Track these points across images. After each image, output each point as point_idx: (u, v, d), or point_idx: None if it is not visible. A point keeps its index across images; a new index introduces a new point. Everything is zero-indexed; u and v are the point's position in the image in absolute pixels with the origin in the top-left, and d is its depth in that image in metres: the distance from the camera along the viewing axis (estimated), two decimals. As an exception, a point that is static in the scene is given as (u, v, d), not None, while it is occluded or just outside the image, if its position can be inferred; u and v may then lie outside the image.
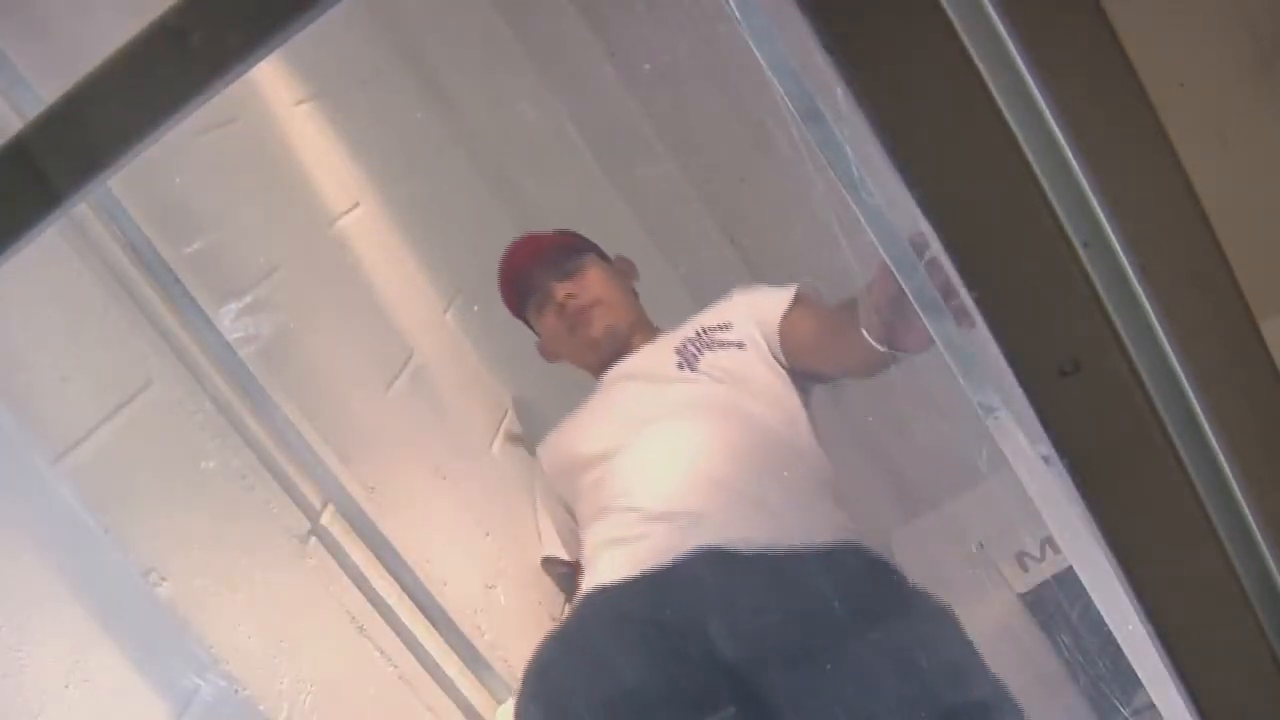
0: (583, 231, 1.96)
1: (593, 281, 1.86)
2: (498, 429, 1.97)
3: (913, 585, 1.52)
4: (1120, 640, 0.72)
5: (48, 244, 1.20)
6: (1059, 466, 0.60)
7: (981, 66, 0.55)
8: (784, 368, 1.69)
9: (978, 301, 0.58)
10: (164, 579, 1.17)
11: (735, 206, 2.34)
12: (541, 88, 2.35)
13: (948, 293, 0.67)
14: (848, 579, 1.46)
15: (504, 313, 1.99)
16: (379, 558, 1.52)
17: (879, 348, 1.33)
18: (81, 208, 1.29)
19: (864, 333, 1.34)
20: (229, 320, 1.44)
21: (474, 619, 1.62)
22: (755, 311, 1.73)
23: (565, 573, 1.77)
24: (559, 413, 1.90)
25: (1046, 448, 0.60)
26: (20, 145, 0.61)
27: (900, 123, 0.56)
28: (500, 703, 1.60)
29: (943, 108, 0.56)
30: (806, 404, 1.69)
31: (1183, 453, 0.59)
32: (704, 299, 1.86)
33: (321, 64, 1.94)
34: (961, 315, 0.65)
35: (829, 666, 1.36)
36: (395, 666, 1.46)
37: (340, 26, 1.93)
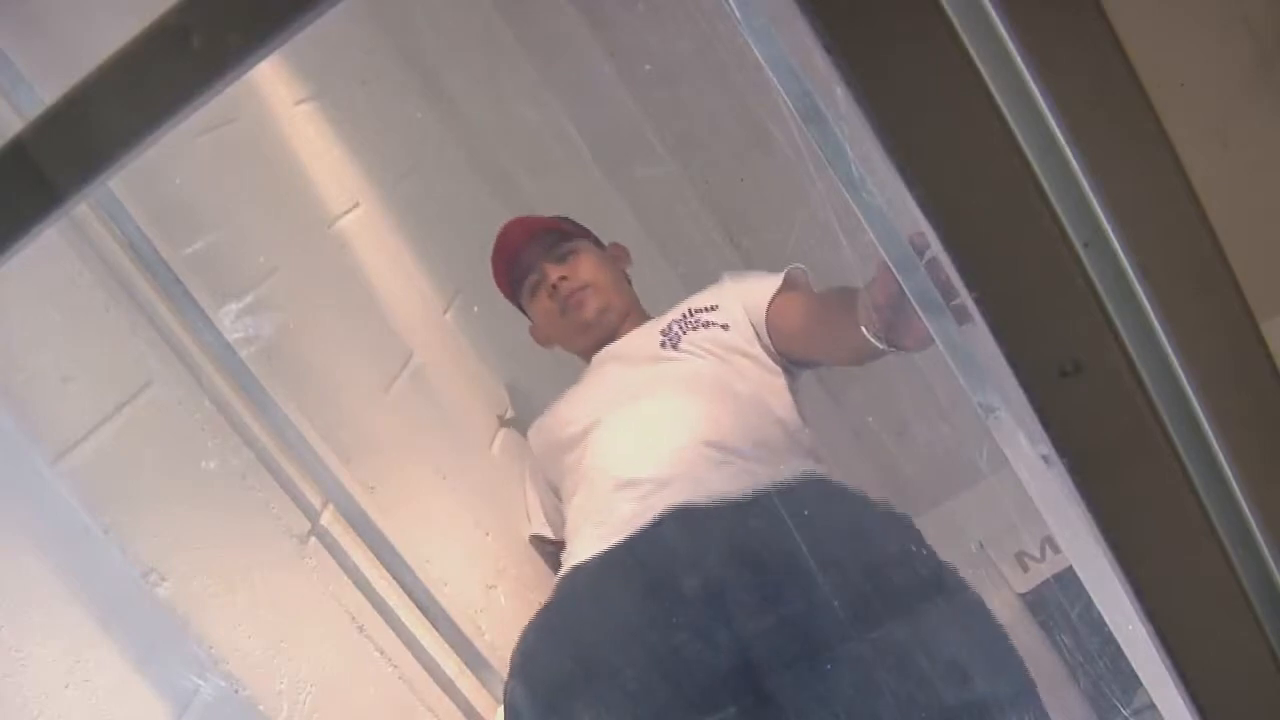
0: (582, 230, 1.97)
1: (586, 265, 1.88)
2: (497, 429, 1.97)
3: (876, 502, 1.54)
4: (1120, 640, 0.72)
5: (48, 244, 1.20)
6: (1059, 466, 0.60)
7: (981, 66, 0.55)
8: (770, 351, 1.70)
9: (978, 301, 0.58)
10: (164, 579, 1.17)
11: (735, 206, 2.34)
12: (541, 88, 2.35)
13: (948, 292, 0.67)
14: (810, 508, 1.47)
15: (504, 313, 1.99)
16: (379, 558, 1.52)
17: (879, 346, 1.33)
18: (81, 208, 1.29)
19: (864, 331, 1.34)
20: (229, 320, 1.44)
21: (474, 619, 1.62)
22: (744, 296, 1.74)
23: (553, 551, 1.78)
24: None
25: (1046, 448, 0.60)
26: (20, 145, 0.61)
27: (900, 123, 0.56)
28: (501, 703, 1.60)
29: (943, 108, 0.56)
30: (793, 388, 1.69)
31: (1183, 453, 0.59)
32: (703, 299, 1.86)
33: (321, 64, 1.94)
34: (961, 314, 0.65)
35: (803, 597, 1.38)
36: (395, 666, 1.46)
37: (340, 26, 1.93)
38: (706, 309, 1.76)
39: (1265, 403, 0.59)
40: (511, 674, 1.51)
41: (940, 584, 1.43)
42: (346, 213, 1.88)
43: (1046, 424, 0.59)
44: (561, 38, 2.34)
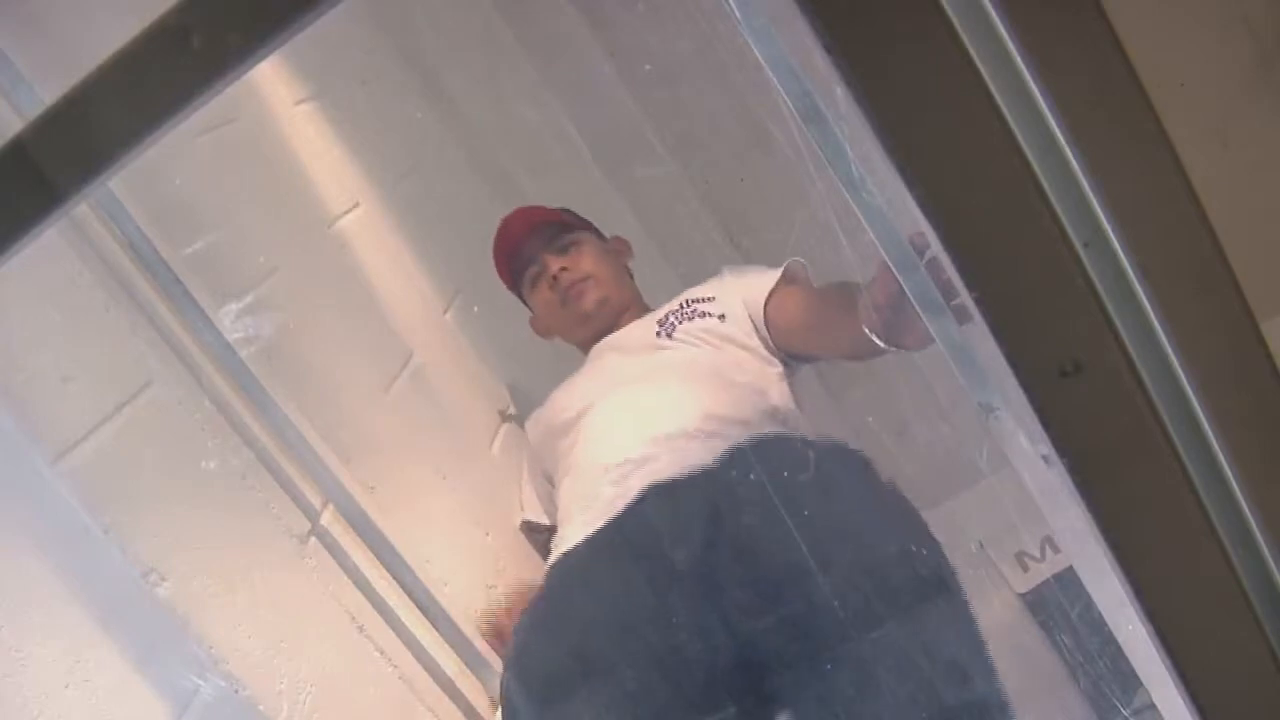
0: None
1: (587, 257, 1.88)
2: (497, 429, 1.97)
3: (836, 444, 1.58)
4: (1120, 640, 0.72)
5: (48, 244, 1.20)
6: (1059, 466, 0.60)
7: (981, 66, 0.55)
8: (769, 344, 1.70)
9: (978, 301, 0.58)
10: (164, 579, 1.17)
11: (735, 206, 2.34)
12: (541, 88, 2.35)
13: (948, 292, 0.67)
14: (774, 461, 1.48)
15: (504, 312, 1.99)
16: (379, 558, 1.52)
17: (880, 344, 1.33)
18: (81, 208, 1.29)
19: (865, 330, 1.34)
20: (229, 320, 1.44)
21: (474, 619, 1.62)
22: (743, 289, 1.74)
23: (543, 539, 1.78)
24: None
25: (1046, 448, 0.60)
26: (20, 145, 0.61)
27: (900, 123, 0.56)
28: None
29: (943, 108, 0.56)
30: (790, 380, 1.69)
31: (1183, 453, 0.59)
32: (703, 299, 1.86)
33: (321, 64, 1.94)
34: (962, 314, 0.65)
35: (781, 553, 1.38)
36: (395, 666, 1.46)
37: (340, 26, 1.93)
38: (703, 300, 1.76)
39: (1265, 403, 0.59)
40: (506, 666, 1.51)
41: (905, 523, 1.46)
42: (346, 213, 1.88)
43: (1046, 424, 0.59)
44: (561, 38, 2.34)
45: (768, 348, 1.70)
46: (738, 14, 0.66)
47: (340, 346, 1.69)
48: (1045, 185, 0.57)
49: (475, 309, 2.09)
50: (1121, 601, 0.63)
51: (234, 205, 1.59)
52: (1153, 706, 0.72)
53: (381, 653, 1.45)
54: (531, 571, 1.82)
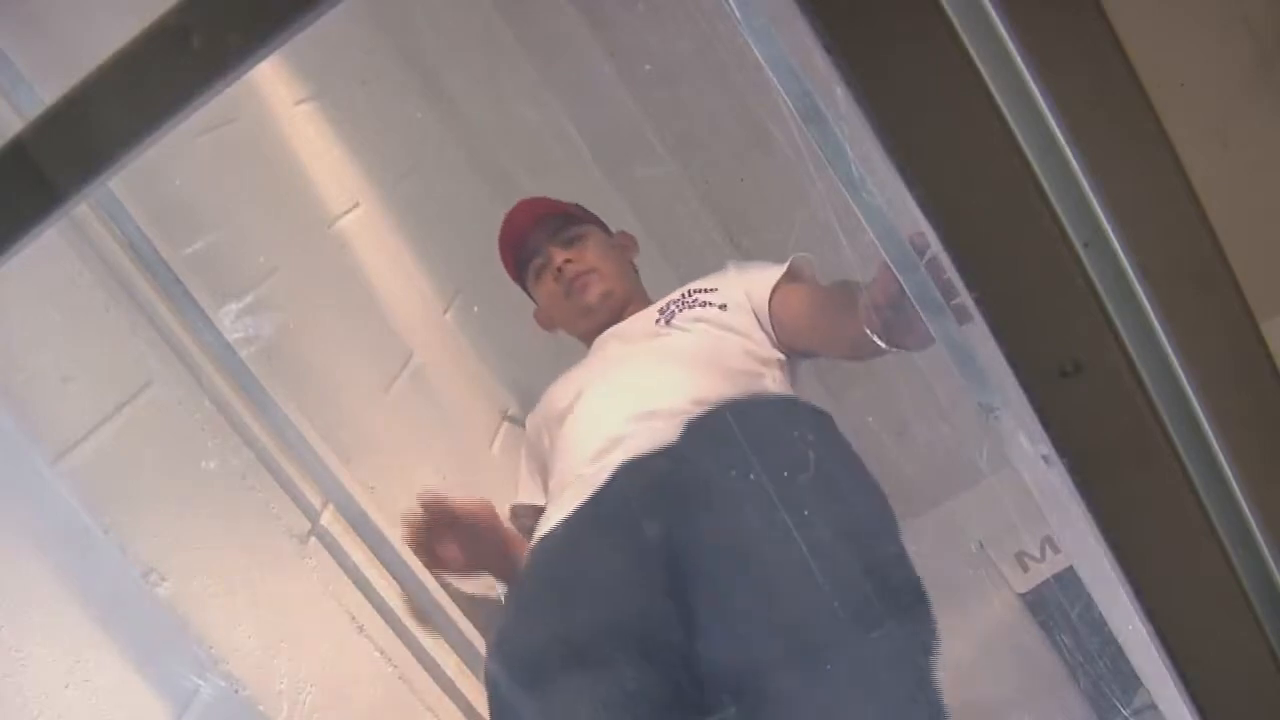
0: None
1: (591, 250, 1.88)
2: (497, 429, 1.97)
3: (802, 404, 1.57)
4: (1120, 640, 0.72)
5: (48, 244, 1.20)
6: (1059, 466, 0.60)
7: (981, 66, 0.55)
8: (771, 338, 1.70)
9: (978, 301, 0.58)
10: (164, 579, 1.17)
11: (735, 206, 2.34)
12: (541, 88, 2.35)
13: (948, 292, 0.67)
14: (740, 423, 1.47)
15: (504, 312, 1.99)
16: (379, 558, 1.52)
17: (881, 345, 1.33)
18: (81, 208, 1.29)
19: (866, 330, 1.34)
20: (229, 320, 1.44)
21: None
22: (747, 282, 1.74)
23: (530, 524, 1.78)
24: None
25: (1046, 448, 0.60)
26: (20, 145, 0.61)
27: (900, 123, 0.56)
28: (500, 702, 1.59)
29: (943, 108, 0.56)
30: (790, 372, 1.69)
31: (1183, 453, 0.59)
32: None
33: (321, 64, 1.94)
34: (962, 314, 0.65)
35: (745, 520, 1.38)
36: (395, 666, 1.46)
37: (340, 26, 1.93)
38: (706, 290, 1.76)
39: (1265, 403, 0.59)
40: (488, 654, 1.50)
41: (858, 483, 1.45)
42: (346, 213, 1.88)
43: (1046, 424, 0.59)
44: (561, 38, 2.34)
45: (770, 340, 1.70)
46: (738, 14, 0.66)
47: (340, 346, 1.69)
48: (1045, 185, 0.57)
49: (475, 309, 2.09)
50: (1121, 601, 0.63)
51: (234, 205, 1.59)
52: (1153, 706, 0.72)
53: (381, 652, 1.45)
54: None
